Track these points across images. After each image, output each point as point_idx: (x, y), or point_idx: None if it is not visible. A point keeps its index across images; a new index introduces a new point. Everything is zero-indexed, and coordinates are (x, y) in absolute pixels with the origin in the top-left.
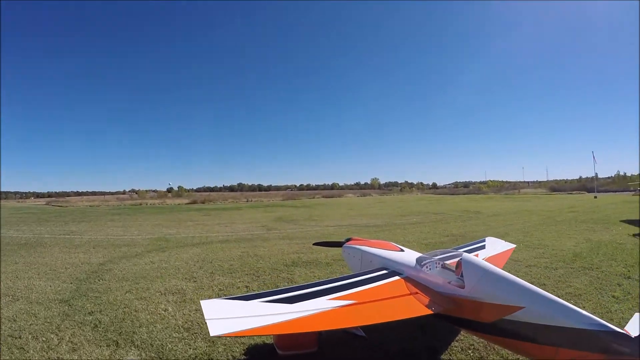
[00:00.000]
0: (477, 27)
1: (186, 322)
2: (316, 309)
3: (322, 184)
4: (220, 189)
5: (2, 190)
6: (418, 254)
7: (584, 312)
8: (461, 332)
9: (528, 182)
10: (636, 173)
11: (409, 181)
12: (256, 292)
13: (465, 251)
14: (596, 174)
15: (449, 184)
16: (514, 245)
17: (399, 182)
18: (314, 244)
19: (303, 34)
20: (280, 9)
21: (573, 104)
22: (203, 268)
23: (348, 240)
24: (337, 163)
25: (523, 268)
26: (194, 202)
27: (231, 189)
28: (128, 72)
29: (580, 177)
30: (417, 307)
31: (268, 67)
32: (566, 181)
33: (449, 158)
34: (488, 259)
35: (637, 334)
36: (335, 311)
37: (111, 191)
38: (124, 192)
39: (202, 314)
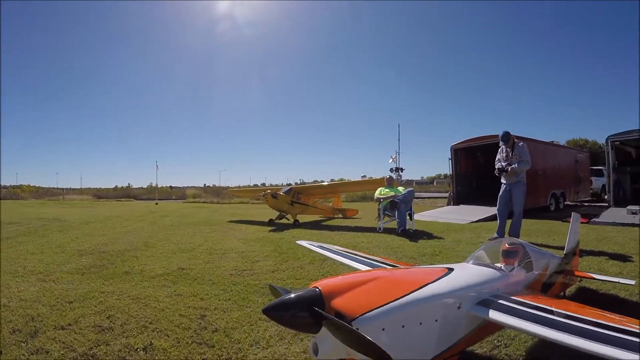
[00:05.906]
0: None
1: None
2: None
3: None
4: None
5: None
6: (468, 264)
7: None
8: None
9: (63, 189)
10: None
11: None
12: None
13: None
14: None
15: None
16: None
17: None
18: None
19: None
20: None
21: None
22: None
23: (311, 297)
24: None
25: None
26: None
27: None
28: None
29: (116, 186)
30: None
31: None
32: (106, 189)
33: None
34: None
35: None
36: None
37: None
38: None
39: None
